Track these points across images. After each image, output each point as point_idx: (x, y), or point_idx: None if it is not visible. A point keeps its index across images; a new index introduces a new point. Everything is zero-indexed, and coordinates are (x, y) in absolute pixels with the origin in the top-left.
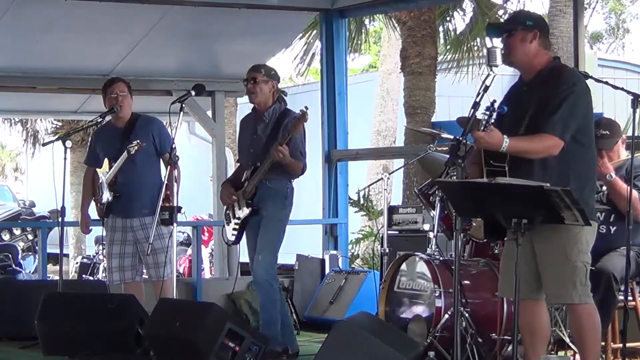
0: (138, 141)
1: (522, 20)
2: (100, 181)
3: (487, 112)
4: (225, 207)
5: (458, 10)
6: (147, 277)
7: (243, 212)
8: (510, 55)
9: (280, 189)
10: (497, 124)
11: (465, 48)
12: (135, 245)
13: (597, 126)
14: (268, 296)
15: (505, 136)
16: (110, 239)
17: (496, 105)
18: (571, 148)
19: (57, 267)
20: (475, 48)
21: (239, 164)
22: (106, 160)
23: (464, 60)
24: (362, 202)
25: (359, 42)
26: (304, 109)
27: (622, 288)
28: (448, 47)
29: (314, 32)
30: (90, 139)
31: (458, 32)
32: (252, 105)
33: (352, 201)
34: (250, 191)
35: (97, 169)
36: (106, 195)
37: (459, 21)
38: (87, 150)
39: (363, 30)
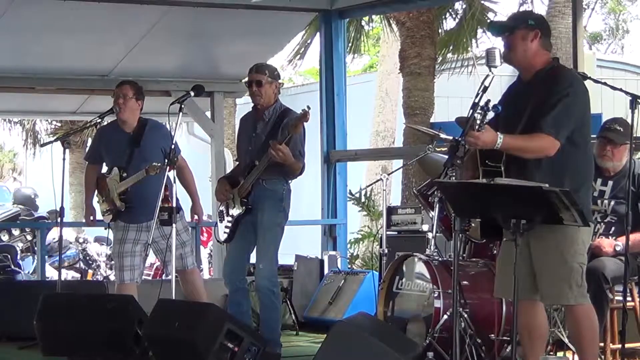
0: (159, 164)
1: (524, 19)
2: (107, 180)
3: (481, 112)
4: (219, 204)
5: (450, 10)
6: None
7: (237, 210)
8: (510, 53)
9: (277, 190)
10: (494, 124)
11: (452, 41)
12: (144, 246)
13: (614, 121)
14: (270, 301)
15: (499, 133)
16: (122, 237)
17: (490, 105)
18: (567, 149)
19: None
20: (463, 43)
21: (237, 163)
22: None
23: (452, 58)
24: (363, 200)
25: (357, 42)
26: (306, 109)
27: (617, 288)
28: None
29: (306, 30)
30: (94, 136)
31: (448, 29)
32: (251, 106)
33: (352, 197)
34: (246, 189)
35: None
36: (116, 203)
37: (451, 22)
38: (89, 147)
39: (362, 32)
